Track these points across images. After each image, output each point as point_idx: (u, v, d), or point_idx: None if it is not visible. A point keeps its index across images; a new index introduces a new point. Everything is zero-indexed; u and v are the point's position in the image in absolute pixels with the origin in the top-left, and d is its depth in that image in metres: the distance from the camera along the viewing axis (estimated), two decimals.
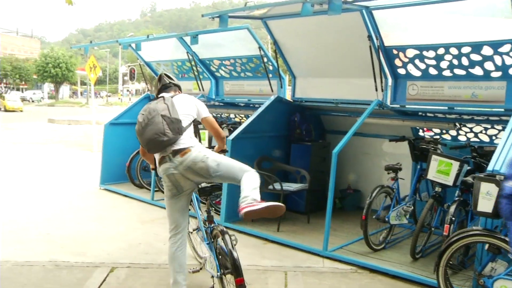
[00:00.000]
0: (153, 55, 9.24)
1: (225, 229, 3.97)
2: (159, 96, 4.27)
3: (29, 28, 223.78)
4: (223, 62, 8.06)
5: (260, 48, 7.46)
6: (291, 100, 7.55)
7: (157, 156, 4.17)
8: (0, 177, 9.99)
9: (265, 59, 7.62)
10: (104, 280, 4.78)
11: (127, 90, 69.40)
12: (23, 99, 58.49)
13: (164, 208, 4.44)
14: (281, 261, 5.41)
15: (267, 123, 7.00)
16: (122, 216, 7.21)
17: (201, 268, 4.54)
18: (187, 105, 4.22)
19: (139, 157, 8.52)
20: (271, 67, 7.72)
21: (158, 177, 6.88)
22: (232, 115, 9.09)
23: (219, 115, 8.94)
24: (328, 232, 5.50)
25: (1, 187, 8.96)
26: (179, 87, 4.54)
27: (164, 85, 4.44)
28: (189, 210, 4.41)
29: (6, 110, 38.89)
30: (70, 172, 10.82)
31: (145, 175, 8.52)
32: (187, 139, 4.01)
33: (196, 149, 3.98)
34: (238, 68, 8.04)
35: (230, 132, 7.52)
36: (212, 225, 4.24)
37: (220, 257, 4.00)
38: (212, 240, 4.16)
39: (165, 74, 4.57)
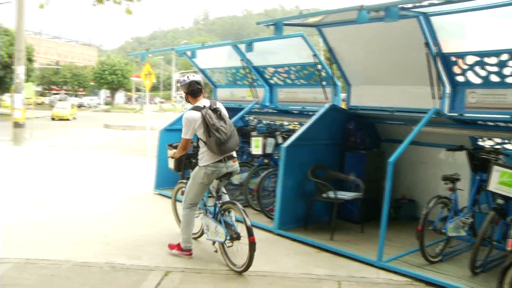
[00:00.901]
0: (207, 62, 9.35)
1: (232, 201, 5.41)
2: (208, 107, 5.16)
3: (88, 37, 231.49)
4: (277, 69, 8.07)
5: (315, 55, 7.43)
6: (346, 108, 7.48)
7: (212, 158, 5.21)
8: (60, 181, 10.34)
9: (320, 67, 7.58)
10: (158, 283, 4.85)
11: (180, 97, 70.44)
12: (81, 105, 60.45)
13: None
14: (334, 270, 5.34)
15: (321, 131, 6.95)
16: (175, 221, 7.30)
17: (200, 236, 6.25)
18: (227, 118, 5.30)
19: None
20: (325, 75, 7.67)
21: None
22: (285, 123, 9.08)
23: (272, 122, 8.95)
24: (383, 242, 5.40)
25: (60, 191, 9.27)
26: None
27: (199, 89, 5.41)
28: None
29: (52, 119, 37.91)
30: (125, 176, 11.07)
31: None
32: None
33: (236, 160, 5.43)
34: (292, 75, 8.03)
35: (284, 139, 7.52)
36: (221, 201, 5.48)
37: (226, 227, 5.27)
38: (222, 213, 5.39)
39: (194, 81, 5.39)
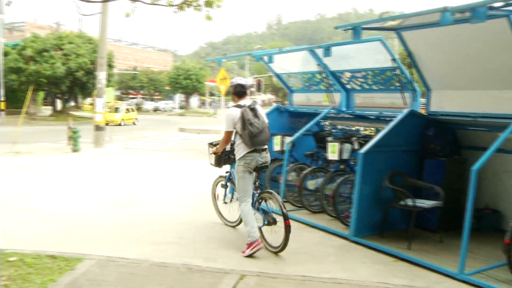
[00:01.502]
0: (283, 67, 9.38)
1: (269, 190, 6.33)
2: (248, 106, 5.99)
3: (164, 43, 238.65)
4: (355, 74, 7.97)
5: (394, 60, 7.27)
6: (425, 114, 7.25)
7: (246, 149, 5.97)
8: (138, 183, 10.70)
9: (398, 71, 7.41)
10: (234, 287, 4.90)
11: (253, 101, 71.18)
12: (156, 109, 62.29)
13: (293, 219, 6.49)
14: (412, 281, 5.19)
15: (400, 137, 6.78)
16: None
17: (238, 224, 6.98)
18: (263, 116, 6.11)
19: (269, 167, 8.67)
20: (403, 80, 7.48)
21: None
22: (361, 128, 8.95)
23: (348, 128, 8.84)
24: (465, 253, 5.18)
25: (139, 192, 9.59)
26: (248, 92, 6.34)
27: (243, 92, 6.22)
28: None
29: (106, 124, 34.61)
30: (200, 179, 11.26)
31: (274, 185, 8.64)
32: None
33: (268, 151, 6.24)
34: (369, 80, 7.90)
35: (361, 145, 7.41)
36: (259, 191, 6.29)
37: (264, 214, 6.12)
38: (260, 201, 6.26)
39: (239, 84, 6.22)
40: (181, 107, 72.39)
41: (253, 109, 5.97)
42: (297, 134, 8.11)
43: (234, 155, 6.28)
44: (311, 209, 7.94)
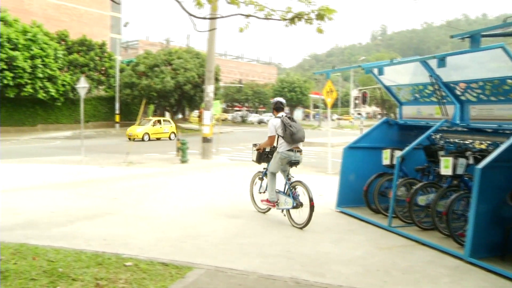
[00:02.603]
0: (393, 79, 9.10)
1: (299, 179, 8.07)
2: (285, 115, 8.00)
3: (268, 56, 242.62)
4: (470, 85, 7.52)
5: None
6: None
7: (287, 146, 7.90)
8: (245, 194, 10.83)
9: None
10: None
11: (358, 114, 70.17)
12: (261, 121, 63.25)
13: (402, 235, 7.34)
14: None
15: None
16: (358, 240, 7.19)
17: (267, 211, 8.77)
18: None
19: (377, 182, 8.46)
20: None
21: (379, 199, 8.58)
22: (476, 142, 8.43)
23: (462, 142, 8.37)
24: None
25: (246, 203, 9.69)
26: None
27: (280, 107, 8.32)
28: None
29: (129, 138, 29.71)
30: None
31: (382, 200, 8.40)
32: (301, 145, 8.10)
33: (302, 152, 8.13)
34: (487, 91, 7.41)
35: (476, 160, 6.98)
36: (291, 180, 8.09)
37: (294, 198, 7.82)
38: (291, 189, 7.94)
39: (279, 101, 8.37)
40: None
41: (290, 117, 7.98)
42: (407, 148, 7.81)
43: (271, 155, 8.39)
44: (421, 225, 7.60)
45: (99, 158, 18.68)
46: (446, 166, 7.13)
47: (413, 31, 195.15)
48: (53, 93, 34.16)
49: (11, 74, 30.76)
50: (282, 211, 8.26)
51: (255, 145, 8.85)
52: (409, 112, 9.15)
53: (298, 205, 7.78)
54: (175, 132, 33.48)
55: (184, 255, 6.15)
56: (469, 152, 7.51)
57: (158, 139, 32.24)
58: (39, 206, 9.15)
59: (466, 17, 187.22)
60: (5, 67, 30.51)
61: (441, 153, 8.01)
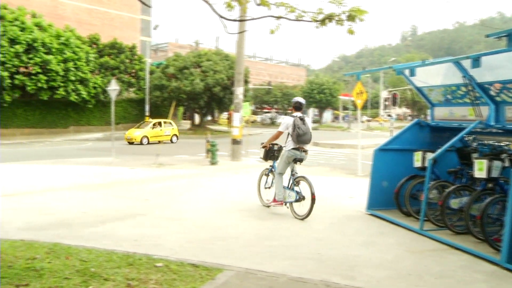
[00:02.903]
0: (424, 80, 8.95)
1: (303, 175, 8.77)
2: (298, 116, 8.68)
3: (297, 58, 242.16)
4: (506, 85, 7.33)
5: None
6: None
7: (293, 145, 8.64)
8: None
9: None
10: None
11: (388, 115, 69.51)
12: None
13: (434, 239, 7.21)
14: None
15: None
16: (389, 243, 7.08)
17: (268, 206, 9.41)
18: (309, 125, 8.71)
19: (408, 184, 8.34)
20: None
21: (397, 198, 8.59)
22: None
23: (496, 144, 8.18)
24: None
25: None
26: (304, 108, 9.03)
27: (298, 107, 8.91)
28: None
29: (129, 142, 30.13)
30: (336, 194, 11.14)
31: (414, 203, 8.27)
32: (308, 146, 8.79)
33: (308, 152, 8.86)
34: None
35: None
36: (294, 176, 8.76)
37: (297, 192, 8.54)
38: (295, 184, 8.66)
39: (298, 101, 9.00)
40: (314, 121, 72.76)
41: (302, 119, 8.66)
42: (440, 150, 7.67)
43: (278, 153, 9.30)
44: (454, 229, 7.44)
45: (130, 160, 18.91)
46: (480, 169, 6.98)
47: (445, 31, 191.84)
48: (84, 96, 34.74)
49: (45, 77, 31.43)
50: (285, 204, 8.88)
51: (262, 143, 9.57)
52: (441, 114, 8.99)
53: (300, 198, 8.48)
54: (177, 135, 32.62)
55: (214, 256, 6.16)
56: (504, 155, 7.32)
57: (159, 142, 30.15)
58: (71, 206, 9.30)
59: (502, 15, 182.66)
60: (39, 70, 31.21)
61: (475, 155, 7.85)
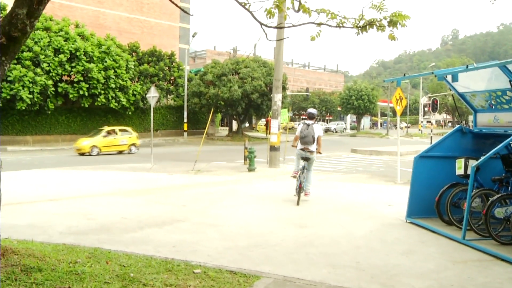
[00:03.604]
0: (467, 85, 8.75)
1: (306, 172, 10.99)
2: (306, 123, 11.01)
3: (335, 64, 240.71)
4: None
5: None
6: None
7: (300, 146, 10.89)
8: (311, 203, 10.72)
9: None
10: None
11: (428, 121, 68.31)
12: (328, 130, 62.75)
13: (477, 249, 6.97)
14: None
15: None
16: (431, 252, 6.92)
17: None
18: (316, 130, 10.84)
19: (450, 192, 8.15)
20: None
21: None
22: None
23: None
24: None
25: (313, 213, 9.58)
26: (316, 117, 11.39)
27: (311, 117, 11.23)
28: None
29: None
30: (375, 202, 10.98)
31: (455, 212, 8.07)
32: (313, 146, 10.83)
33: (314, 153, 10.95)
34: None
35: None
36: (303, 171, 10.77)
37: (300, 181, 10.69)
38: (300, 174, 10.72)
39: (310, 112, 11.44)
40: (352, 128, 72.10)
41: (308, 125, 10.94)
42: (484, 158, 7.46)
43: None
44: (499, 240, 7.22)
45: (168, 166, 19.10)
46: None
47: (488, 34, 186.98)
48: (124, 103, 35.32)
49: (86, 85, 32.16)
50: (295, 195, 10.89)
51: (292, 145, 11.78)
52: (484, 120, 8.76)
53: (300, 189, 10.66)
54: (137, 144, 28.79)
55: (252, 263, 6.14)
56: None
57: (119, 152, 27.61)
58: (111, 212, 9.44)
59: None
60: (81, 78, 31.96)
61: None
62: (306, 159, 10.81)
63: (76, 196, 11.31)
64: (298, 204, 10.39)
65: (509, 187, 7.91)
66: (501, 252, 6.75)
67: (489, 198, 7.43)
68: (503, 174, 8.06)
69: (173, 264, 5.81)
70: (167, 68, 41.65)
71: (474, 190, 7.61)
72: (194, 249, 6.76)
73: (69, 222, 8.39)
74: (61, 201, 10.52)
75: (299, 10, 4.76)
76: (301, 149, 10.88)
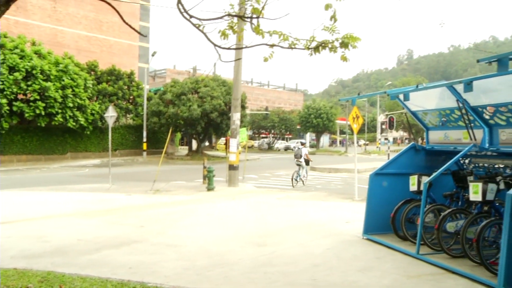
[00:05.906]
0: (419, 104, 9.02)
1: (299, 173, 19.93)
2: (299, 147, 21.50)
3: (294, 83, 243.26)
4: (499, 108, 7.39)
5: None
6: None
7: (295, 159, 20.62)
8: (271, 222, 10.77)
9: None
10: None
11: (385, 139, 69.60)
12: (287, 148, 63.16)
13: (431, 263, 7.12)
14: None
15: None
16: (387, 268, 7.05)
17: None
18: (303, 151, 20.62)
19: (404, 208, 8.35)
20: None
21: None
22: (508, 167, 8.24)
23: (491, 166, 8.22)
24: None
25: (272, 231, 9.63)
26: (304, 144, 22.99)
27: (302, 144, 23.07)
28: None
29: None
30: (332, 219, 11.11)
31: (410, 227, 8.26)
32: (302, 159, 20.30)
33: (303, 162, 20.38)
34: None
35: (507, 185, 6.85)
36: (298, 172, 20.29)
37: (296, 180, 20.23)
38: (294, 174, 20.35)
39: (302, 142, 29.38)
40: (311, 146, 72.81)
41: (299, 148, 20.65)
42: (435, 174, 7.69)
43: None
44: (451, 253, 7.43)
45: (127, 186, 18.85)
46: (475, 192, 6.99)
47: (440, 54, 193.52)
48: (82, 122, 34.73)
49: (43, 104, 31.46)
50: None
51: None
52: (436, 137, 9.04)
53: (297, 180, 19.48)
54: None
55: (210, 283, 6.13)
56: (499, 177, 7.35)
57: None
58: (67, 233, 9.25)
59: (495, 39, 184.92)
60: (37, 97, 31.26)
61: (470, 178, 7.87)
62: (298, 165, 20.15)
63: (31, 218, 11.04)
64: (293, 186, 19.36)
65: (460, 202, 8.16)
66: (452, 265, 6.94)
67: (441, 213, 7.64)
68: (454, 190, 8.31)
69: (129, 286, 5.74)
70: (126, 87, 41.26)
71: (427, 206, 7.82)
72: (151, 270, 6.70)
73: (22, 245, 8.18)
74: (15, 224, 10.24)
75: (256, 33, 4.85)
76: (296, 160, 20.21)
